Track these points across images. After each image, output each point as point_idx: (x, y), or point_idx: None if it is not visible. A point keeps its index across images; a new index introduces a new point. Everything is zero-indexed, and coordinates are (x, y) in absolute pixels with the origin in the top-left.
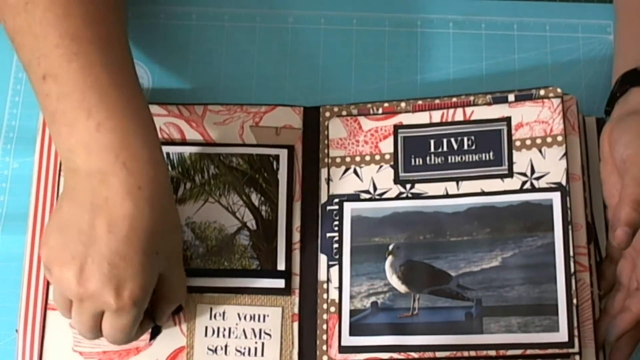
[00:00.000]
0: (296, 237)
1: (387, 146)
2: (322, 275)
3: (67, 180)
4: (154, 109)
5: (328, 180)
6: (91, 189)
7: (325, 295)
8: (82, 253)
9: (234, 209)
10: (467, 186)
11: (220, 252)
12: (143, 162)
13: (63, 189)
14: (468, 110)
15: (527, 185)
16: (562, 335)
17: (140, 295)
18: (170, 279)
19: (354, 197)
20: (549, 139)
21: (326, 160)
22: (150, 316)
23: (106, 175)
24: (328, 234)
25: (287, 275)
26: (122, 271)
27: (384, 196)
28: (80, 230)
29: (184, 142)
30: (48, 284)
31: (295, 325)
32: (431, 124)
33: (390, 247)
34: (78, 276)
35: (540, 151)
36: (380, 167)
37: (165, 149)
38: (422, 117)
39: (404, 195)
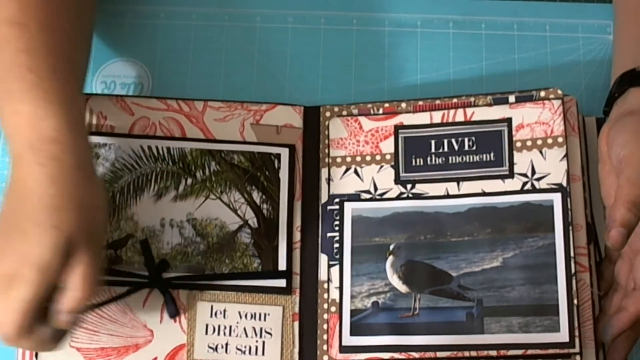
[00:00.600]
0: (297, 236)
1: (387, 146)
2: (322, 275)
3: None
4: (153, 102)
5: (329, 180)
6: (10, 175)
7: (325, 295)
8: None
9: (236, 206)
10: (467, 187)
11: (221, 250)
12: (48, 141)
13: None
14: (469, 111)
15: (528, 186)
16: (562, 336)
17: (33, 270)
18: (79, 267)
19: (355, 197)
20: (549, 140)
21: (327, 160)
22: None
23: (17, 158)
24: (329, 234)
25: (288, 274)
26: (21, 243)
27: (385, 196)
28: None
29: (184, 138)
30: None
31: (296, 324)
32: (432, 125)
33: (391, 247)
34: None
35: (540, 152)
36: (381, 167)
37: (166, 143)
38: (422, 118)
39: (405, 195)
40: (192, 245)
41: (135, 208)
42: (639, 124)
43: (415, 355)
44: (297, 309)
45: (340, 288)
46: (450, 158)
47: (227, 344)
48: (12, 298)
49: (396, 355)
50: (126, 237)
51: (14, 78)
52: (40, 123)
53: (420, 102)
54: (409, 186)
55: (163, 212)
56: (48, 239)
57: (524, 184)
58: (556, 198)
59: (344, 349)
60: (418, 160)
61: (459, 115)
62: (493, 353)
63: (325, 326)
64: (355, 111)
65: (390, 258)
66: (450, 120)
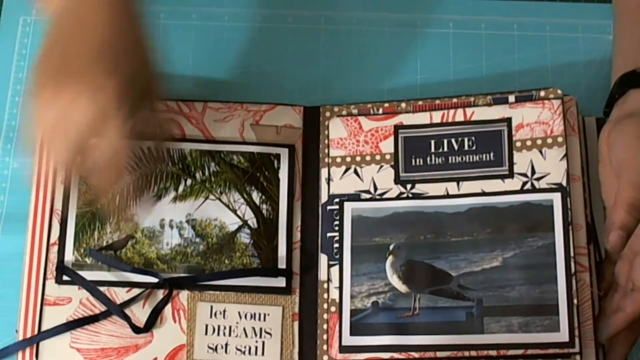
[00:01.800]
0: (297, 236)
1: (387, 146)
2: (322, 275)
3: None
4: None
5: (328, 180)
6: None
7: (325, 295)
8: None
9: (235, 206)
10: (467, 186)
11: (221, 250)
12: None
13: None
14: (468, 110)
15: (528, 186)
16: (562, 335)
17: (76, 132)
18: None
19: (355, 197)
20: (549, 140)
21: (326, 160)
22: None
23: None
24: (328, 234)
25: (287, 274)
26: (62, 100)
27: (385, 196)
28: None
29: (184, 139)
30: (45, 281)
31: (296, 324)
32: (432, 125)
33: (391, 247)
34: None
35: (540, 152)
36: (381, 167)
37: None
38: (422, 118)
39: (405, 195)
40: (191, 246)
41: (135, 209)
42: (638, 127)
43: (415, 355)
44: (297, 309)
45: (340, 288)
46: (450, 158)
47: (226, 344)
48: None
49: (396, 355)
50: (126, 238)
51: None
52: None
53: (420, 102)
54: (408, 186)
55: (163, 212)
56: (96, 97)
57: (524, 183)
58: (556, 198)
59: (343, 349)
60: (418, 160)
61: (459, 115)
62: (493, 353)
63: (325, 326)
64: (355, 111)
65: (390, 258)
66: (450, 120)
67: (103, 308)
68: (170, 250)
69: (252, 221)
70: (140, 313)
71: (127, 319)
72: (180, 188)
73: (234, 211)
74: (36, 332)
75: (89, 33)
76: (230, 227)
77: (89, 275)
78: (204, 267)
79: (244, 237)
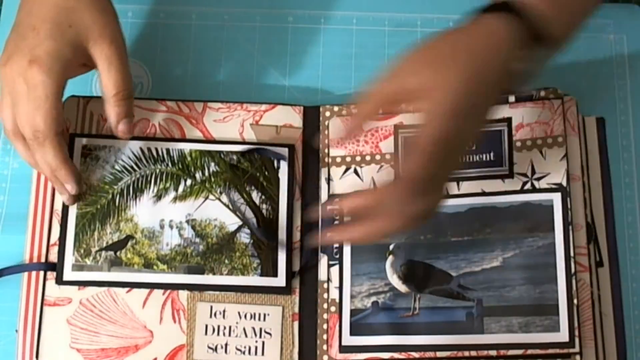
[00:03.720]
0: (296, 236)
1: (387, 146)
2: (322, 275)
3: None
4: (153, 104)
5: (328, 179)
6: None
7: (325, 295)
8: (12, 39)
9: (235, 206)
10: (467, 186)
11: (220, 250)
12: None
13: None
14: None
15: (528, 186)
16: (562, 335)
17: (52, 54)
18: (106, 61)
19: None
20: (549, 140)
21: (326, 159)
22: None
23: None
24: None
25: (287, 274)
26: (32, 40)
27: None
28: (16, 21)
29: (184, 139)
30: (45, 281)
31: (296, 324)
32: None
33: (391, 247)
34: (5, 62)
35: (540, 152)
36: (381, 166)
37: (165, 144)
38: None
39: None
40: (191, 246)
41: (135, 209)
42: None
43: (415, 355)
44: (296, 309)
45: (340, 288)
46: None
47: (226, 344)
48: (38, 81)
49: (396, 355)
50: (126, 238)
51: None
52: None
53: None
54: None
55: (163, 213)
56: (57, 32)
57: (524, 183)
58: (556, 198)
59: (343, 349)
60: None
61: None
62: (493, 353)
63: (325, 326)
64: (355, 111)
65: (390, 258)
66: None
67: (103, 309)
68: (170, 250)
69: (252, 221)
70: (140, 313)
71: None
72: (180, 188)
73: (234, 211)
74: (36, 332)
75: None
76: (230, 227)
77: (89, 276)
78: (204, 267)
79: (244, 237)
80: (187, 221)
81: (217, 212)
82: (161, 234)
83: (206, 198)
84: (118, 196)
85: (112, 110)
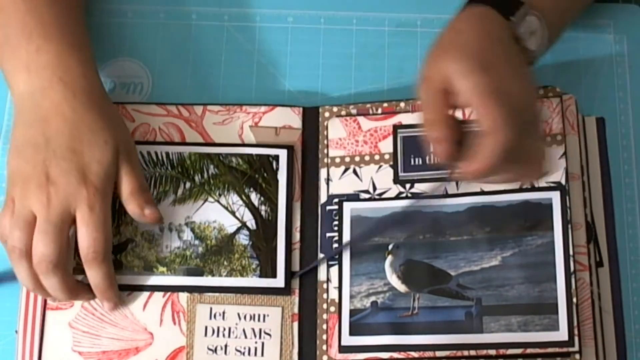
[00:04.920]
0: (296, 237)
1: (386, 146)
2: (321, 275)
3: (16, 106)
4: (153, 109)
5: (328, 180)
6: (35, 106)
7: (325, 295)
8: (41, 160)
9: (234, 208)
10: (466, 186)
11: (220, 252)
12: (76, 75)
13: (13, 117)
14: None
15: (527, 185)
16: (562, 334)
17: (103, 176)
18: (128, 166)
19: (354, 197)
20: (548, 139)
21: (326, 160)
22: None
23: (45, 90)
24: (328, 234)
25: (286, 275)
26: (79, 158)
27: (384, 196)
28: (35, 144)
29: (183, 142)
30: None
31: (295, 325)
32: None
33: (390, 247)
34: (43, 182)
35: None
36: (380, 167)
37: (165, 148)
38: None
39: (404, 195)
40: (190, 248)
41: None
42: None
43: (415, 354)
44: (296, 310)
45: (340, 288)
46: None
47: (226, 346)
48: (96, 208)
49: (395, 354)
50: (126, 241)
51: (33, 19)
52: (66, 58)
53: (419, 102)
54: (407, 186)
55: (162, 216)
56: (106, 148)
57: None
58: (555, 196)
59: (343, 349)
60: (417, 159)
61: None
62: (492, 352)
63: (324, 326)
64: (354, 111)
65: (389, 258)
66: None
67: (104, 312)
68: (169, 253)
69: (251, 222)
70: (141, 316)
71: None
72: (180, 191)
73: (233, 213)
74: (37, 333)
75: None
76: (229, 228)
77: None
78: (203, 270)
79: (243, 239)
80: (187, 224)
81: (216, 214)
82: (161, 236)
83: (205, 200)
84: (118, 200)
85: (135, 204)
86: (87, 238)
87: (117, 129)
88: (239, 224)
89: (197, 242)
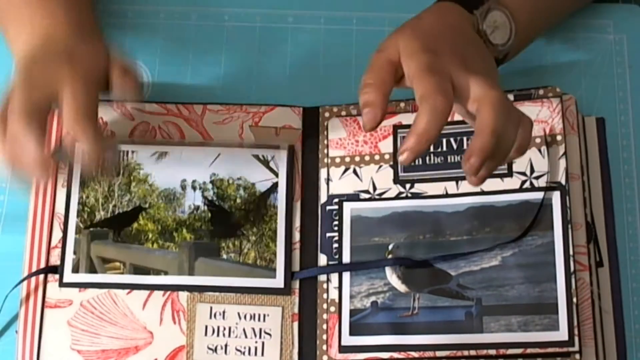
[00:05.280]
0: (296, 237)
1: (386, 146)
2: (322, 275)
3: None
4: (153, 107)
5: (328, 180)
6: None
7: (325, 295)
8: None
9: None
10: (466, 186)
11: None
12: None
13: None
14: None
15: (527, 185)
16: (562, 334)
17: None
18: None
19: (354, 197)
20: (548, 139)
21: (326, 160)
22: None
23: None
24: (328, 234)
25: (287, 275)
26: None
27: (384, 196)
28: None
29: (183, 141)
30: (46, 283)
31: (295, 325)
32: None
33: (390, 247)
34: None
35: (539, 151)
36: (380, 167)
37: (164, 148)
38: None
39: (404, 194)
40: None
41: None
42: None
43: (415, 354)
44: (296, 310)
45: (340, 288)
46: (449, 157)
47: (226, 345)
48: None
49: (395, 354)
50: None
51: None
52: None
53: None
54: (407, 186)
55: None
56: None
57: (523, 182)
58: (555, 196)
59: (343, 349)
60: (417, 159)
61: (458, 115)
62: (492, 352)
63: (324, 326)
64: (354, 111)
65: (390, 258)
66: (449, 119)
67: (103, 310)
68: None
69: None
70: (141, 314)
71: None
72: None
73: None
74: (37, 334)
75: None
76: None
77: (89, 277)
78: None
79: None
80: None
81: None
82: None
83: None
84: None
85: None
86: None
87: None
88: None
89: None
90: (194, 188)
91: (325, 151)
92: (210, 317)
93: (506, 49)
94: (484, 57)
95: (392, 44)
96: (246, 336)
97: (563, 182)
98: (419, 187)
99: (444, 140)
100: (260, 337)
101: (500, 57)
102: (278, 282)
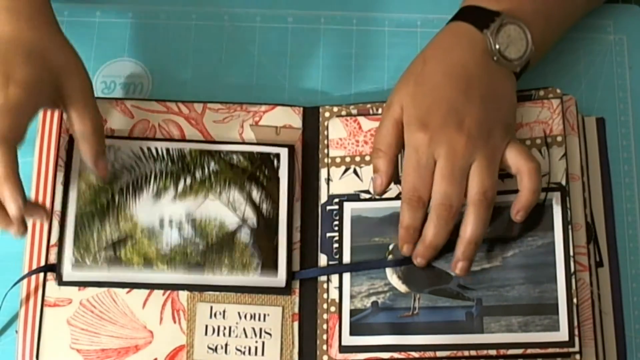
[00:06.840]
0: (296, 236)
1: None
2: (322, 275)
3: None
4: (153, 105)
5: (328, 180)
6: None
7: (325, 295)
8: None
9: (235, 205)
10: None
11: (221, 250)
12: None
13: None
14: None
15: None
16: (562, 335)
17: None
18: (72, 84)
19: (354, 197)
20: (548, 140)
21: (326, 160)
22: None
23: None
24: (328, 234)
25: (287, 274)
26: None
27: (384, 196)
28: None
29: (183, 139)
30: (45, 282)
31: (296, 324)
32: None
33: (391, 247)
34: None
35: (539, 151)
36: None
37: (165, 144)
38: None
39: None
40: (191, 246)
41: (135, 208)
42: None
43: (415, 354)
44: (296, 309)
45: (340, 288)
46: None
47: (226, 345)
48: None
49: (396, 354)
50: (125, 238)
51: None
52: None
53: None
54: None
55: (162, 211)
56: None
57: None
58: (555, 197)
59: (343, 349)
60: None
61: None
62: (493, 352)
63: (324, 326)
64: (354, 111)
65: (390, 258)
66: None
67: (103, 309)
68: (170, 250)
69: (252, 220)
70: (140, 314)
71: None
72: (180, 187)
73: (234, 210)
74: (36, 333)
75: None
76: (230, 226)
77: (88, 276)
78: (204, 267)
79: (244, 237)
80: (187, 220)
81: (217, 211)
82: (161, 233)
83: (206, 197)
84: (118, 195)
85: (88, 147)
86: None
87: (64, 50)
88: (240, 222)
89: (198, 239)
90: (170, 226)
91: (326, 151)
92: (211, 316)
93: (523, 61)
94: (494, 97)
95: (396, 101)
96: (246, 336)
97: (563, 182)
98: None
99: None
100: (260, 336)
101: (517, 70)
102: (279, 281)
